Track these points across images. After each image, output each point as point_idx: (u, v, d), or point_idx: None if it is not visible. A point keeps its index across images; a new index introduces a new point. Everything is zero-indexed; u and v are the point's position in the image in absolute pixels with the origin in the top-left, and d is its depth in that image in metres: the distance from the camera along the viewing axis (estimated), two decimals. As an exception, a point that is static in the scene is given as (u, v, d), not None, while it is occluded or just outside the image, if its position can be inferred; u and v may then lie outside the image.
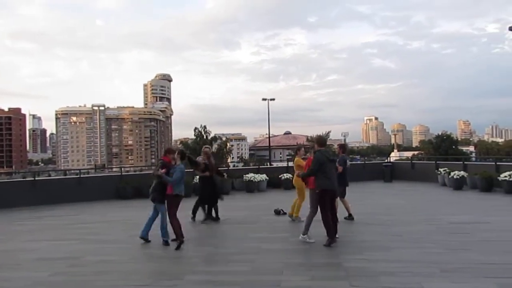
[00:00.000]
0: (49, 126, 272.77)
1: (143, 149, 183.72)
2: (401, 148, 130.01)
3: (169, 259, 6.51)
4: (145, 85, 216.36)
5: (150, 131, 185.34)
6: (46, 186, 15.07)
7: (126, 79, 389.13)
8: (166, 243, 7.27)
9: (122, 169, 19.05)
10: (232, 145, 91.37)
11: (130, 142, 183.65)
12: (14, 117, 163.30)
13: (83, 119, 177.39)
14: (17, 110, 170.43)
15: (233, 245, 7.27)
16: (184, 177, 7.48)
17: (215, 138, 47.79)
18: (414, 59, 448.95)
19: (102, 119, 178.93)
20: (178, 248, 6.96)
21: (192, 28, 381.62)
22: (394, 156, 44.20)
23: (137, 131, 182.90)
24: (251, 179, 16.22)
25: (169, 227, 7.34)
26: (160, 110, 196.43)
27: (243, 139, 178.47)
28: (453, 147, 46.86)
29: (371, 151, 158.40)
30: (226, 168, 17.38)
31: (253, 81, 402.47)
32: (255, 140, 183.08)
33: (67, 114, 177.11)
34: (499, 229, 7.99)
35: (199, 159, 10.28)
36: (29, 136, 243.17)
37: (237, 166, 32.17)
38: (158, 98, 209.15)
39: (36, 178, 15.64)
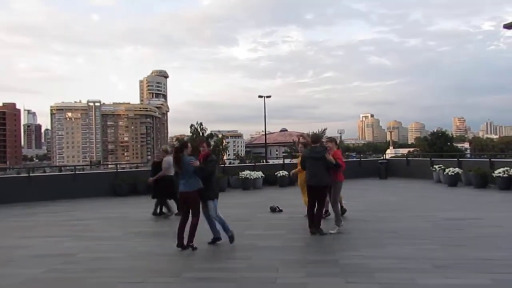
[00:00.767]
0: (44, 122, 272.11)
1: (139, 146, 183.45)
2: (396, 145, 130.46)
3: (165, 256, 6.50)
4: (141, 82, 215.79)
5: (146, 127, 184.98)
6: (40, 182, 15.01)
7: (122, 75, 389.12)
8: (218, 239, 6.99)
9: (118, 165, 19.01)
10: (228, 142, 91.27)
11: (126, 139, 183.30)
12: (8, 112, 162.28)
13: (79, 115, 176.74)
14: (12, 105, 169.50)
15: (229, 242, 7.26)
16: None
17: (211, 135, 47.70)
18: (411, 57, 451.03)
19: (97, 115, 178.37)
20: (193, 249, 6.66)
21: (189, 24, 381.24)
22: (390, 153, 44.29)
23: (133, 127, 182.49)
24: (247, 176, 16.23)
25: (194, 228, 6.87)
26: (156, 107, 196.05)
27: (239, 136, 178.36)
28: (448, 144, 47.02)
29: (366, 148, 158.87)
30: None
31: (250, 78, 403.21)
32: (251, 137, 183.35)
33: (62, 109, 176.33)
34: (493, 225, 8.04)
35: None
36: (24, 131, 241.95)
37: (233, 163, 32.14)
38: (154, 94, 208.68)
39: (31, 174, 15.58)
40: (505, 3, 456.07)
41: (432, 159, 19.00)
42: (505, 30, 18.34)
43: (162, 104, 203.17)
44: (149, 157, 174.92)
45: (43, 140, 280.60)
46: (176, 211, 9.99)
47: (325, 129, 59.65)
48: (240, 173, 16.45)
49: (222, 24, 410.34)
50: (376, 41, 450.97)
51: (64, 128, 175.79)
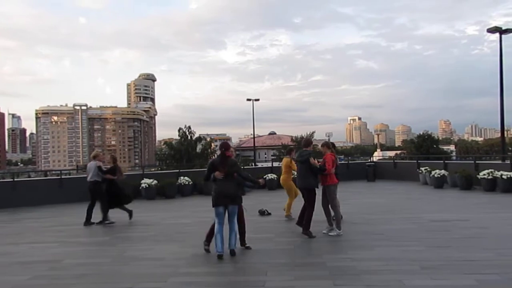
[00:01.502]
0: (29, 126, 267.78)
1: (126, 150, 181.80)
2: (384, 147, 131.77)
3: (152, 260, 6.44)
4: (128, 85, 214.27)
5: (134, 131, 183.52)
6: (25, 188, 14.76)
7: (109, 79, 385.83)
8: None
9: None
10: (216, 146, 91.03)
11: (113, 143, 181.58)
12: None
13: (65, 118, 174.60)
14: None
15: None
16: None
17: (199, 139, 47.39)
18: (397, 60, 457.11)
19: (84, 119, 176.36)
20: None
21: (176, 27, 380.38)
22: (377, 155, 44.79)
23: (120, 131, 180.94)
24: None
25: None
26: (144, 110, 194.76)
27: (228, 139, 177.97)
28: (434, 146, 47.54)
29: (354, 151, 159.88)
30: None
31: (238, 81, 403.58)
32: (240, 141, 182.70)
33: (47, 113, 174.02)
34: (478, 226, 8.16)
35: (98, 163, 10.29)
36: (8, 135, 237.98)
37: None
38: (141, 98, 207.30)
39: (16, 179, 15.31)
40: (488, 8, 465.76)
41: (419, 161, 19.23)
42: (489, 34, 18.76)
43: (149, 108, 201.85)
44: (137, 160, 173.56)
45: (28, 145, 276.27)
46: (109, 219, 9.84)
47: (313, 132, 59.91)
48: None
49: (210, 28, 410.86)
50: (363, 45, 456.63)
51: (49, 132, 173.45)
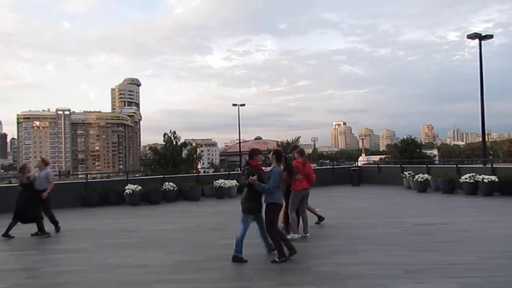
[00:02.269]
0: (10, 131, 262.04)
1: (110, 155, 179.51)
2: (368, 152, 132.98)
3: (135, 267, 6.33)
4: (112, 90, 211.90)
5: (118, 136, 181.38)
6: (5, 194, 14.36)
7: (94, 84, 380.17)
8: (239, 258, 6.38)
9: (88, 175, 18.49)
10: (202, 151, 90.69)
11: (97, 148, 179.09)
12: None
13: (47, 123, 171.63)
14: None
15: (202, 253, 7.17)
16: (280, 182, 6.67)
17: (185, 144, 47.18)
18: (381, 66, 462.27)
19: (67, 124, 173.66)
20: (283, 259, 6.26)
21: (162, 32, 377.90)
22: (362, 160, 45.09)
23: (104, 136, 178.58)
24: (222, 185, 16.11)
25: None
26: (128, 115, 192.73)
27: (214, 144, 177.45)
28: (418, 150, 48.23)
29: (339, 156, 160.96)
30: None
31: (224, 86, 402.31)
32: (226, 146, 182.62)
33: (29, 118, 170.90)
34: (461, 230, 8.27)
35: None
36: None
37: (207, 172, 31.91)
38: (126, 102, 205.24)
39: (-5, 186, 14.93)
40: (468, 14, 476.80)
41: (403, 165, 19.44)
42: (469, 40, 19.13)
43: (134, 113, 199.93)
44: (121, 166, 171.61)
45: (9, 150, 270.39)
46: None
47: (299, 137, 60.25)
48: (214, 182, 16.32)
49: (196, 33, 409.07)
50: (348, 50, 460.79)
51: (31, 137, 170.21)
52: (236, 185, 16.49)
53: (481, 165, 17.35)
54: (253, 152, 6.81)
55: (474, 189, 13.87)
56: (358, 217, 10.32)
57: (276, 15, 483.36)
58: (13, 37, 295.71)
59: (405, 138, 49.75)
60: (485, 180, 13.53)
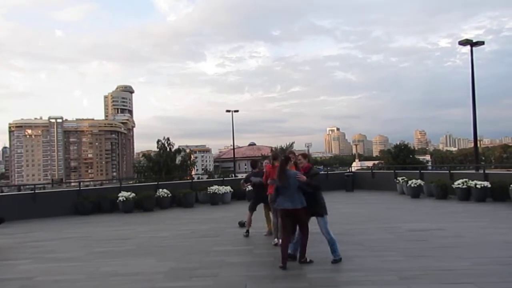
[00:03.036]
0: (2, 140, 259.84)
1: (103, 162, 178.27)
2: (362, 158, 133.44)
3: (128, 275, 6.28)
4: (105, 97, 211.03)
5: (111, 143, 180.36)
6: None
7: (86, 91, 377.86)
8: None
9: (81, 183, 18.36)
10: (196, 157, 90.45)
11: (90, 155, 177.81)
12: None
13: (39, 132, 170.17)
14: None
15: (196, 259, 7.14)
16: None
17: (178, 150, 47.03)
18: (374, 72, 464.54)
19: (59, 132, 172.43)
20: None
21: (155, 39, 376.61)
22: (356, 165, 45.23)
23: (97, 143, 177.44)
24: (216, 191, 16.08)
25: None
26: (122, 122, 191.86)
27: (208, 150, 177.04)
28: (411, 156, 48.52)
29: (333, 161, 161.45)
30: None
31: (218, 93, 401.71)
32: (220, 152, 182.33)
33: (21, 126, 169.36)
34: (454, 236, 8.31)
35: None
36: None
37: (201, 178, 31.81)
38: (119, 110, 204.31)
39: (-14, 195, 14.77)
40: (460, 21, 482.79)
41: (396, 171, 19.54)
42: (461, 47, 19.37)
43: (127, 120, 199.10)
44: (114, 173, 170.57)
45: (0, 159, 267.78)
46: None
47: (292, 143, 60.26)
48: (208, 188, 16.28)
49: (189, 40, 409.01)
50: (341, 56, 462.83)
51: (23, 146, 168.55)
52: (230, 191, 16.47)
53: (473, 171, 17.47)
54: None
55: (466, 194, 13.96)
56: (352, 223, 10.35)
57: (270, 21, 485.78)
58: (5, 46, 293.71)
59: (398, 143, 50.05)
60: (477, 186, 13.63)
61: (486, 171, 15.29)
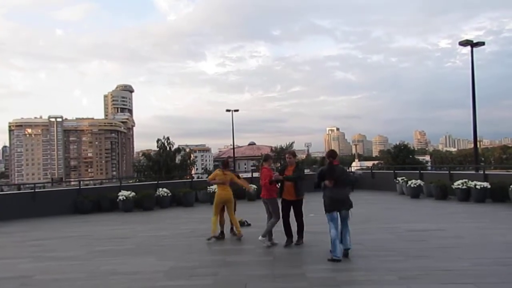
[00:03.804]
0: (2, 139, 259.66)
1: (103, 162, 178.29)
2: (361, 158, 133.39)
3: (128, 274, 6.28)
4: (105, 96, 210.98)
5: (111, 142, 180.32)
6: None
7: (86, 90, 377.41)
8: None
9: (81, 182, 18.38)
10: (196, 157, 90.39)
11: (89, 155, 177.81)
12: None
13: (39, 131, 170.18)
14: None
15: (196, 258, 7.14)
16: None
17: (178, 150, 46.97)
18: (374, 72, 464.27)
19: (59, 131, 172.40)
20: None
21: (155, 39, 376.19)
22: (355, 165, 45.24)
23: (97, 143, 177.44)
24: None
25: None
26: (121, 122, 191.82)
27: (207, 150, 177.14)
28: (410, 156, 48.53)
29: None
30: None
31: (218, 92, 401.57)
32: (220, 151, 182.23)
33: (21, 126, 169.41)
34: (454, 236, 8.31)
35: None
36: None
37: (201, 178, 31.81)
38: (119, 109, 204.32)
39: (-14, 193, 14.78)
40: (460, 22, 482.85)
41: (396, 171, 19.54)
42: (461, 47, 19.36)
43: (127, 119, 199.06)
44: (114, 172, 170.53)
45: (0, 158, 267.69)
46: None
47: (292, 143, 60.34)
48: (208, 187, 16.29)
49: (189, 39, 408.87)
50: (341, 57, 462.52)
51: (23, 145, 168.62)
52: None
53: (473, 172, 17.48)
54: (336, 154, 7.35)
55: (466, 195, 13.96)
56: (351, 223, 10.24)
57: (270, 21, 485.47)
58: (5, 45, 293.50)
59: (397, 144, 50.05)
60: (477, 187, 13.63)
61: (486, 172, 15.29)
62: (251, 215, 11.53)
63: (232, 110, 44.67)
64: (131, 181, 30.91)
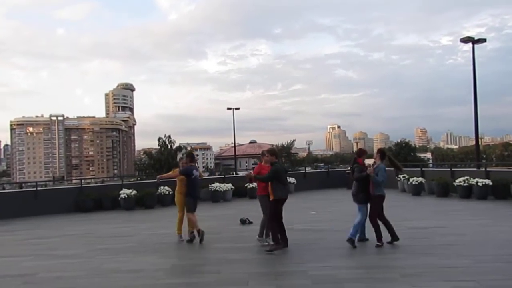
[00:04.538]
0: (4, 137, 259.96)
1: (104, 160, 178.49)
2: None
3: (130, 272, 6.29)
4: (106, 95, 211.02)
5: (112, 141, 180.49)
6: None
7: (88, 89, 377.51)
8: (351, 242, 7.26)
9: (82, 180, 18.41)
10: (197, 155, 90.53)
11: (91, 153, 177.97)
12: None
13: (41, 129, 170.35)
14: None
15: (198, 256, 7.16)
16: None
17: (179, 148, 47.09)
18: (375, 70, 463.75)
19: (60, 130, 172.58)
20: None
21: (156, 38, 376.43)
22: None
23: (98, 141, 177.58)
24: (217, 188, 16.10)
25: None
26: (123, 120, 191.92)
27: (209, 148, 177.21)
28: (412, 154, 48.58)
29: (334, 159, 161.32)
30: None
31: (219, 91, 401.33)
32: (221, 149, 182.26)
33: (23, 124, 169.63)
34: (456, 233, 8.31)
35: None
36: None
37: (202, 176, 31.89)
38: (120, 107, 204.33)
39: (-12, 192, 14.81)
40: (461, 19, 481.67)
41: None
42: (462, 44, 19.35)
43: (128, 117, 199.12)
44: (116, 171, 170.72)
45: (2, 156, 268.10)
46: None
47: (293, 141, 60.37)
48: (209, 185, 16.30)
49: (191, 38, 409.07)
50: (342, 54, 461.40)
51: (25, 144, 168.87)
52: (231, 188, 16.49)
53: (474, 169, 17.46)
54: (362, 152, 8.13)
55: (468, 192, 13.94)
56: (353, 221, 10.31)
57: (271, 19, 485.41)
58: (6, 44, 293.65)
59: (399, 141, 50.08)
60: (479, 184, 13.60)
61: (488, 169, 15.26)
62: (252, 213, 11.53)
63: (233, 108, 44.67)
64: (132, 180, 30.95)
